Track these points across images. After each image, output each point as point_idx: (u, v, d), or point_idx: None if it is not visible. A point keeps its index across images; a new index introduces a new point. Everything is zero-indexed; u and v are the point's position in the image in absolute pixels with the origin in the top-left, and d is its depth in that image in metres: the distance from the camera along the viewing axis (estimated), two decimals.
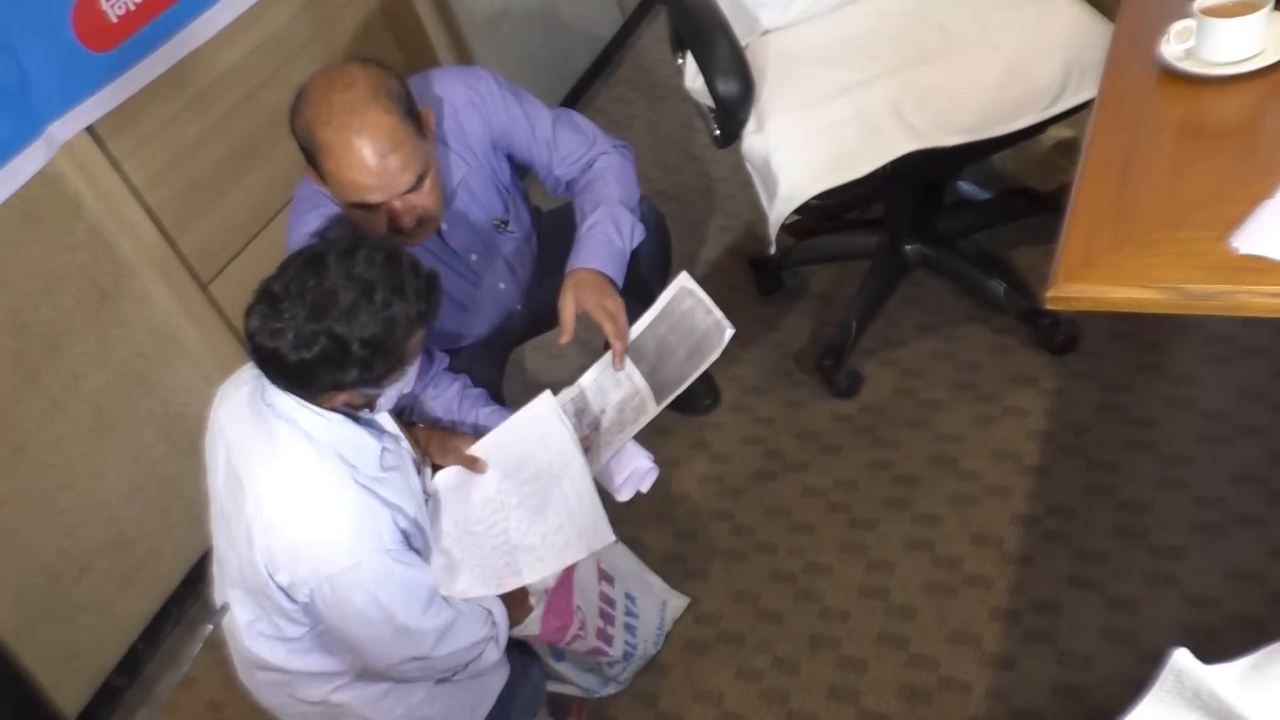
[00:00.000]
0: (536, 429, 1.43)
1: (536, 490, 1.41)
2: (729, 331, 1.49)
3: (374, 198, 1.39)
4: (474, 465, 1.46)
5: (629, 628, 1.68)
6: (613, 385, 1.50)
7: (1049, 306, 1.02)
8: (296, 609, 1.30)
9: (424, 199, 1.44)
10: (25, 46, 1.67)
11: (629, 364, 1.49)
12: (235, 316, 2.10)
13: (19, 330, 1.75)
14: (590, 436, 1.50)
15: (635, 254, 1.71)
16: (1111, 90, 1.19)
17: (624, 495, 1.52)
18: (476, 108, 1.60)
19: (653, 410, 1.50)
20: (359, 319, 1.16)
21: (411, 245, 1.50)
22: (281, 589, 1.28)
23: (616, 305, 1.50)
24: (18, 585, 1.79)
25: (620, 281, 1.56)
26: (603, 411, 1.50)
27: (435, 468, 1.51)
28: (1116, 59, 1.24)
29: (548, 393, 1.45)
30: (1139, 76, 1.20)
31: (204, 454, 1.35)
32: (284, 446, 1.24)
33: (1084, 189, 1.08)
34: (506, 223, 1.68)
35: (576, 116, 1.70)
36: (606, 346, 1.51)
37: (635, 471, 1.52)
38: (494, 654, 1.37)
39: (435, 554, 1.39)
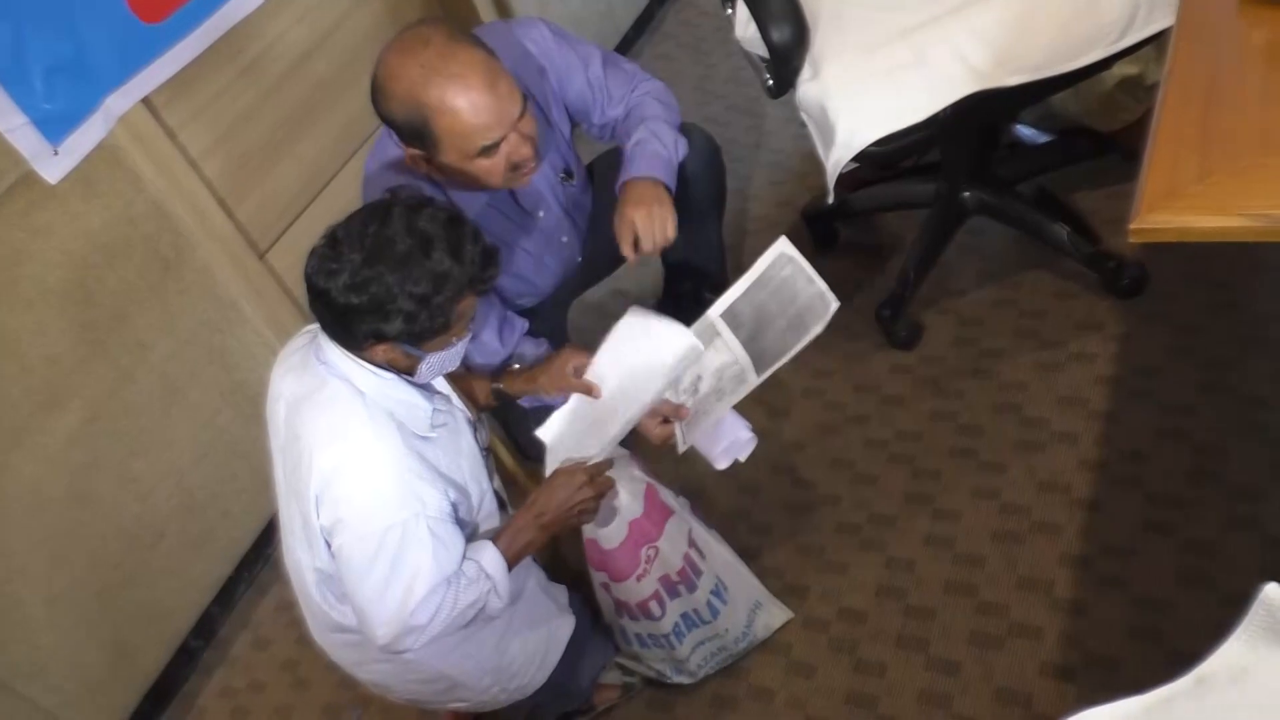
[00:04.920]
0: (639, 328, 1.43)
1: (651, 390, 1.41)
2: (834, 304, 1.45)
3: (497, 134, 1.39)
4: (589, 391, 1.45)
5: (709, 612, 1.64)
6: (710, 351, 1.47)
7: (1132, 239, 0.99)
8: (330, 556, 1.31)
9: (530, 125, 1.44)
10: (81, 19, 1.68)
11: (726, 331, 1.46)
12: (292, 284, 2.13)
13: (87, 302, 1.78)
14: (687, 403, 1.49)
15: (688, 180, 1.69)
16: (1190, 16, 1.15)
17: (722, 464, 1.52)
18: (535, 58, 1.60)
19: (753, 380, 1.47)
20: (411, 271, 1.18)
21: (524, 182, 1.51)
22: (324, 538, 1.29)
23: (664, 211, 1.51)
24: (98, 551, 1.84)
25: (673, 185, 1.56)
26: (699, 378, 1.48)
27: (506, 422, 1.50)
28: None
29: (633, 310, 1.44)
30: (1219, 1, 1.15)
31: (265, 418, 1.37)
32: (337, 402, 1.26)
33: (1166, 118, 1.04)
34: (571, 174, 1.68)
35: (618, 58, 1.71)
36: (666, 301, 1.51)
37: (735, 441, 1.51)
38: (496, 602, 1.34)
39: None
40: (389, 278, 1.17)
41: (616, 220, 1.53)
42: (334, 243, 1.20)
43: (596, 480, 1.41)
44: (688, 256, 1.89)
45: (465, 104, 1.36)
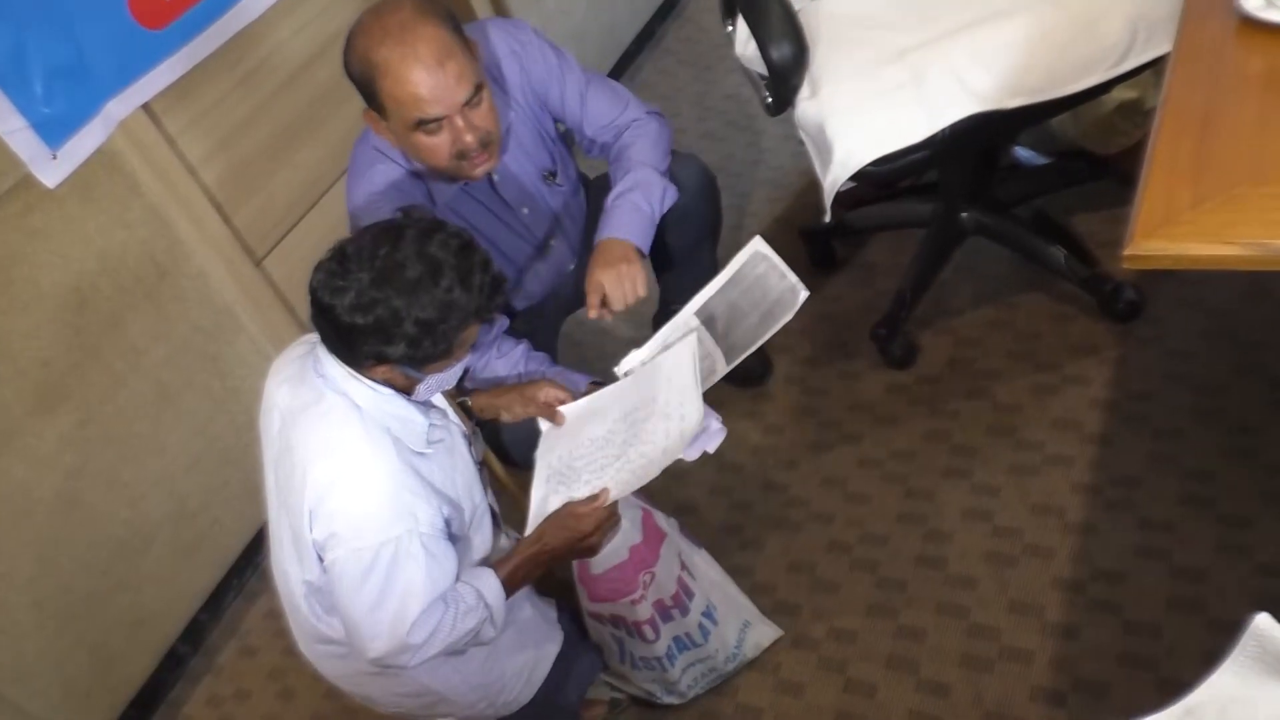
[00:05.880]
0: (671, 368, 1.44)
1: (644, 430, 1.41)
2: (803, 294, 1.48)
3: (435, 110, 1.41)
4: (554, 417, 1.47)
5: (700, 635, 1.63)
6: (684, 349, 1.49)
7: (1126, 265, 0.99)
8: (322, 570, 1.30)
9: (483, 118, 1.45)
10: (82, 24, 1.68)
11: (701, 328, 1.49)
12: (288, 293, 2.13)
13: (81, 306, 1.78)
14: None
15: (686, 214, 1.70)
16: (1188, 43, 1.15)
17: (691, 455, 1.51)
18: (518, 57, 1.61)
19: (722, 369, 1.49)
20: (419, 297, 1.17)
21: (475, 175, 1.52)
22: (317, 553, 1.29)
23: (631, 270, 1.53)
24: (87, 556, 1.83)
25: (646, 246, 1.58)
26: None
27: (493, 429, 1.50)
28: (1192, 10, 1.19)
29: (694, 335, 1.46)
30: (1216, 28, 1.15)
31: (259, 428, 1.36)
32: (333, 416, 1.25)
33: (1161, 144, 1.04)
34: (555, 174, 1.68)
35: (611, 81, 1.72)
36: (660, 316, 1.51)
37: (704, 432, 1.50)
38: (490, 632, 1.35)
39: (534, 494, 1.41)
40: (396, 301, 1.16)
41: (586, 280, 1.55)
42: (342, 259, 1.19)
43: (604, 526, 1.41)
44: (681, 282, 1.90)
45: (407, 73, 1.39)
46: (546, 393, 1.49)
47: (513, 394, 1.52)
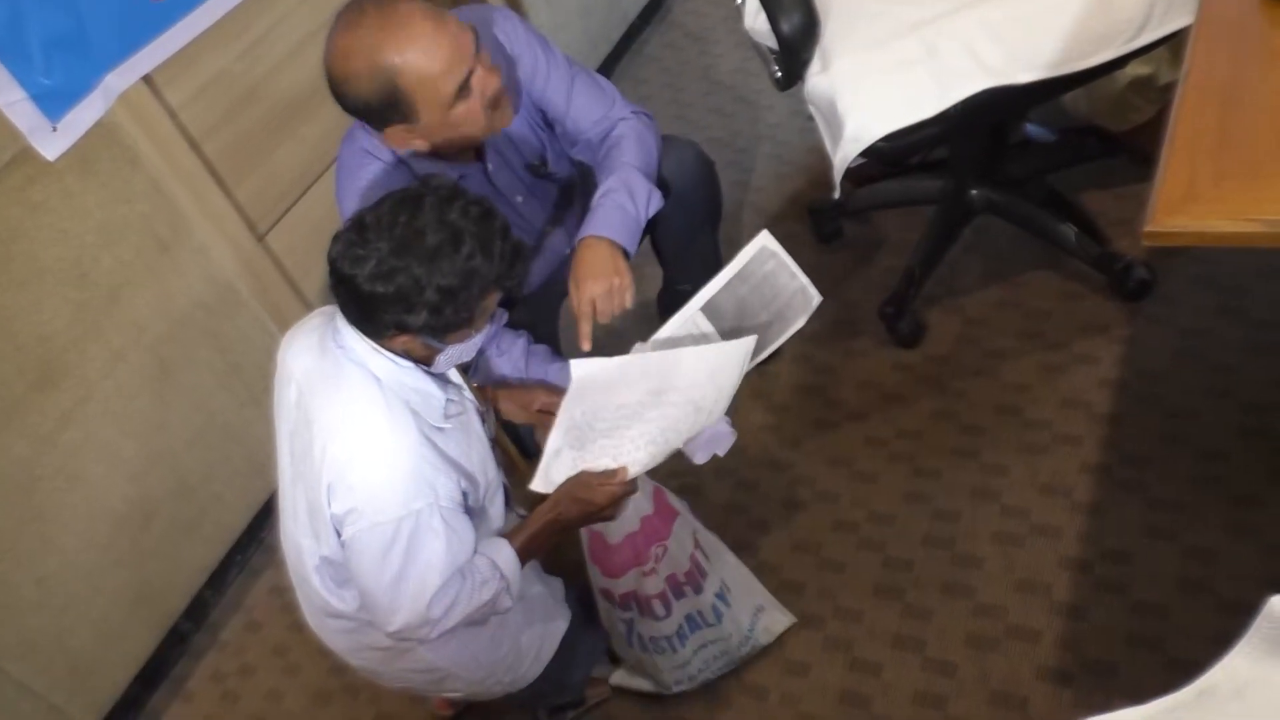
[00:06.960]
0: (719, 363, 1.41)
1: (673, 414, 1.39)
2: (816, 299, 1.45)
3: (463, 68, 1.39)
4: (547, 425, 1.43)
5: (713, 615, 1.63)
6: (691, 345, 1.46)
7: (1146, 242, 0.97)
8: (339, 544, 1.30)
9: (488, 58, 1.44)
10: None
11: (707, 324, 1.45)
12: (291, 268, 2.11)
13: (81, 281, 1.76)
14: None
15: (684, 200, 1.67)
16: (1210, 15, 1.13)
17: (700, 459, 1.50)
18: (503, 47, 1.58)
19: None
20: (440, 265, 1.16)
21: (508, 121, 1.51)
22: (335, 526, 1.28)
23: (622, 284, 1.49)
24: (88, 532, 1.82)
25: (632, 248, 1.55)
26: None
27: (497, 416, 1.49)
28: None
29: (752, 338, 1.42)
30: (1240, 1, 1.13)
31: (273, 399, 1.35)
32: (353, 388, 1.24)
33: (1183, 119, 1.02)
34: (545, 163, 1.66)
35: (597, 77, 1.68)
36: (665, 307, 1.49)
37: (714, 435, 1.48)
38: (507, 602, 1.35)
39: (549, 444, 1.39)
40: (417, 270, 1.16)
41: (573, 291, 1.51)
42: (361, 229, 1.18)
43: (619, 500, 1.40)
44: (684, 269, 1.88)
45: (423, 50, 1.35)
46: (541, 401, 1.49)
47: (511, 400, 1.53)
